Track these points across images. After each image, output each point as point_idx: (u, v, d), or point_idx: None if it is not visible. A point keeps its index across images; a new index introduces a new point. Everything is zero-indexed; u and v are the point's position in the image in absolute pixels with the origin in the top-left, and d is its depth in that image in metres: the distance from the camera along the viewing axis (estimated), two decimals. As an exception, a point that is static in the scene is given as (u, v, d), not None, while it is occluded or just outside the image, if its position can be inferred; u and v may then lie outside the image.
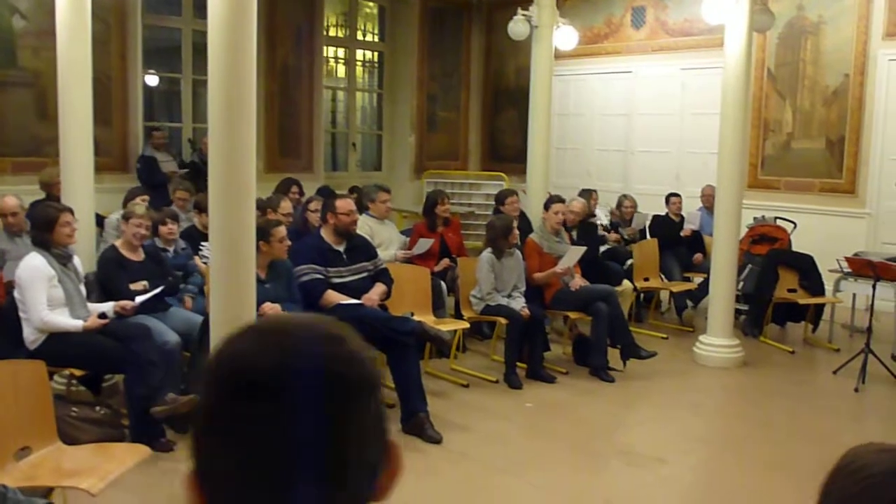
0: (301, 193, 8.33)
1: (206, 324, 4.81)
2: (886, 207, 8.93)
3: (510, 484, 4.70)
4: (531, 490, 4.64)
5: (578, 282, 7.00)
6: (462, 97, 12.99)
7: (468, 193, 12.06)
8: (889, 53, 8.94)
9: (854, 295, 7.81)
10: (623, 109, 11.20)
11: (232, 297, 4.10)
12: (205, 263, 5.99)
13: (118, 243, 5.51)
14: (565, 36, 8.82)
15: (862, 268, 6.87)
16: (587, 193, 8.72)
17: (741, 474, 4.92)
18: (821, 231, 8.90)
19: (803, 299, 7.80)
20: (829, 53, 9.35)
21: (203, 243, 6.26)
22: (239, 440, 0.81)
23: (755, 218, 8.69)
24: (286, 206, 7.02)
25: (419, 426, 5.18)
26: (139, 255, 5.49)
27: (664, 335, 7.98)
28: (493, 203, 9.23)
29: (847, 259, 7.12)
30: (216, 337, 4.11)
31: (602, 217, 8.88)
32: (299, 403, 0.80)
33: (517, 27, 8.46)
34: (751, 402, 6.40)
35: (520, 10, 8.47)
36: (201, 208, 6.46)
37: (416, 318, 5.85)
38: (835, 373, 6.77)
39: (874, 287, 6.75)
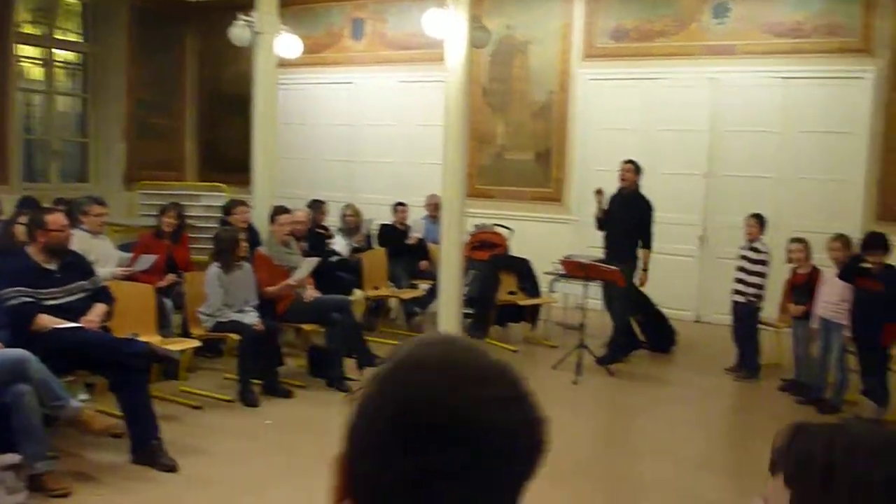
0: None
1: None
2: (589, 213, 9.68)
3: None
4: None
5: (311, 293, 6.91)
6: (178, 103, 12.38)
7: (186, 205, 11.46)
8: (587, 73, 9.78)
9: (566, 295, 8.43)
10: (347, 120, 11.28)
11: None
12: None
13: None
14: (288, 44, 8.68)
15: (574, 269, 7.41)
16: (317, 205, 8.66)
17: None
18: (534, 236, 9.49)
19: (523, 301, 8.29)
20: (536, 71, 10.05)
21: None
22: (404, 477, 0.80)
23: (476, 225, 9.09)
24: (-18, 221, 6.25)
25: (151, 455, 4.81)
26: None
27: (396, 342, 8.04)
28: (213, 215, 8.92)
29: (562, 261, 7.66)
30: None
31: (337, 239, 8.80)
32: (482, 462, 0.80)
33: (238, 32, 8.19)
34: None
35: (241, 16, 8.21)
36: None
37: (141, 338, 5.45)
38: (554, 368, 7.25)
39: (585, 287, 7.32)
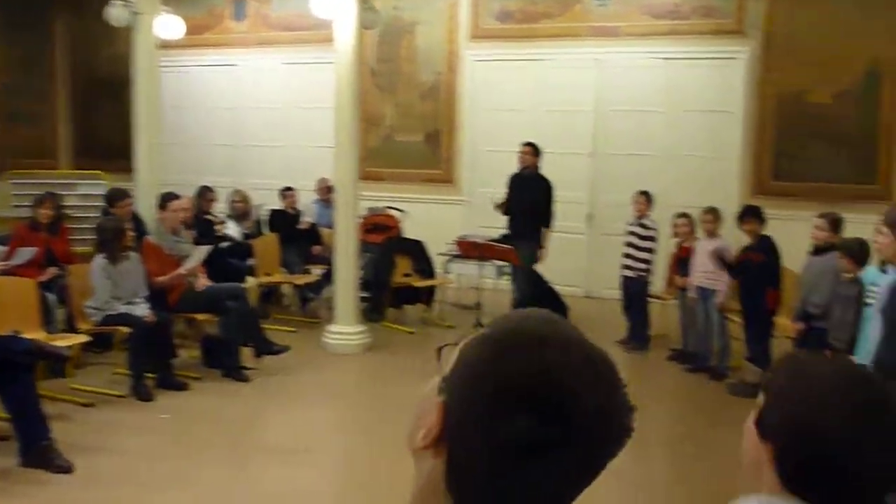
0: None
1: None
2: (479, 194, 9.82)
3: (162, 502, 4.37)
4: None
5: (203, 282, 6.74)
6: (48, 87, 11.75)
7: (62, 194, 10.93)
8: (474, 54, 9.84)
9: (461, 275, 8.51)
10: (231, 103, 11.00)
11: None
12: None
13: None
14: (168, 25, 8.38)
15: (469, 249, 7.49)
16: (206, 191, 8.43)
17: (387, 455, 5.08)
18: (426, 218, 9.46)
19: (418, 282, 8.32)
20: (423, 52, 10.04)
21: None
22: (498, 441, 0.83)
23: (368, 208, 9.03)
24: None
25: (44, 456, 4.60)
26: None
27: (292, 328, 7.97)
28: (92, 204, 8.62)
29: (456, 242, 7.71)
30: None
31: (230, 225, 8.59)
32: (576, 440, 0.83)
33: (116, 12, 7.83)
34: (384, 384, 6.63)
35: (117, -5, 7.85)
36: None
37: (24, 335, 5.19)
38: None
39: (480, 267, 7.40)
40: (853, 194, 8.17)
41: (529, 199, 7.68)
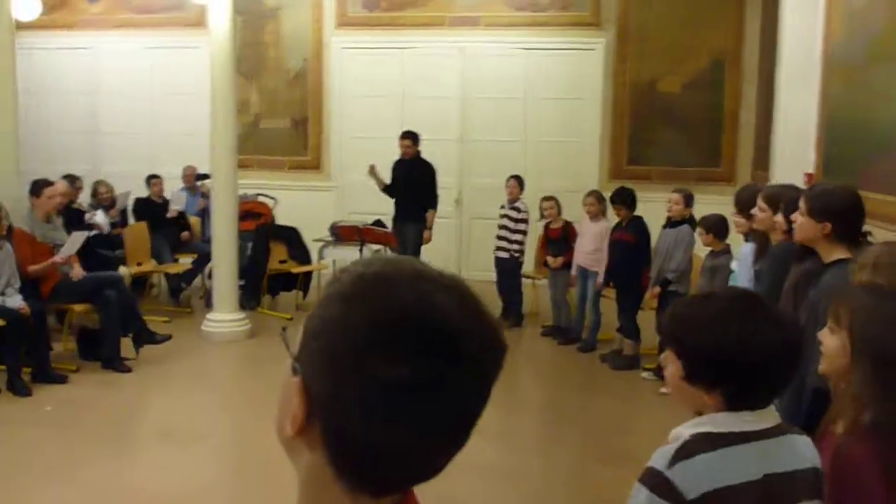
0: None
1: None
2: (349, 180, 9.91)
3: (55, 493, 4.27)
4: (80, 495, 4.28)
5: (78, 271, 6.53)
6: None
7: None
8: (341, 41, 9.90)
9: (334, 261, 8.59)
10: (88, 88, 10.51)
11: None
12: None
13: None
14: (26, 4, 8.00)
15: (350, 234, 7.62)
16: (72, 179, 8.13)
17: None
18: (297, 205, 9.43)
19: (295, 269, 8.35)
20: (289, 38, 9.99)
21: None
22: (375, 391, 0.78)
23: (238, 196, 8.93)
24: None
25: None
26: None
27: (165, 318, 7.81)
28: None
29: (339, 227, 7.82)
30: None
31: (99, 214, 8.30)
32: (457, 369, 0.80)
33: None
34: (265, 370, 6.56)
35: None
36: None
37: None
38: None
39: (361, 251, 7.54)
40: (700, 176, 8.88)
41: (414, 183, 7.93)
